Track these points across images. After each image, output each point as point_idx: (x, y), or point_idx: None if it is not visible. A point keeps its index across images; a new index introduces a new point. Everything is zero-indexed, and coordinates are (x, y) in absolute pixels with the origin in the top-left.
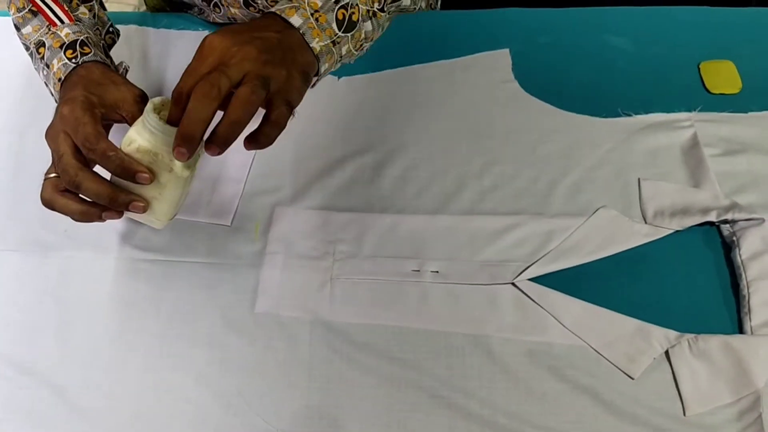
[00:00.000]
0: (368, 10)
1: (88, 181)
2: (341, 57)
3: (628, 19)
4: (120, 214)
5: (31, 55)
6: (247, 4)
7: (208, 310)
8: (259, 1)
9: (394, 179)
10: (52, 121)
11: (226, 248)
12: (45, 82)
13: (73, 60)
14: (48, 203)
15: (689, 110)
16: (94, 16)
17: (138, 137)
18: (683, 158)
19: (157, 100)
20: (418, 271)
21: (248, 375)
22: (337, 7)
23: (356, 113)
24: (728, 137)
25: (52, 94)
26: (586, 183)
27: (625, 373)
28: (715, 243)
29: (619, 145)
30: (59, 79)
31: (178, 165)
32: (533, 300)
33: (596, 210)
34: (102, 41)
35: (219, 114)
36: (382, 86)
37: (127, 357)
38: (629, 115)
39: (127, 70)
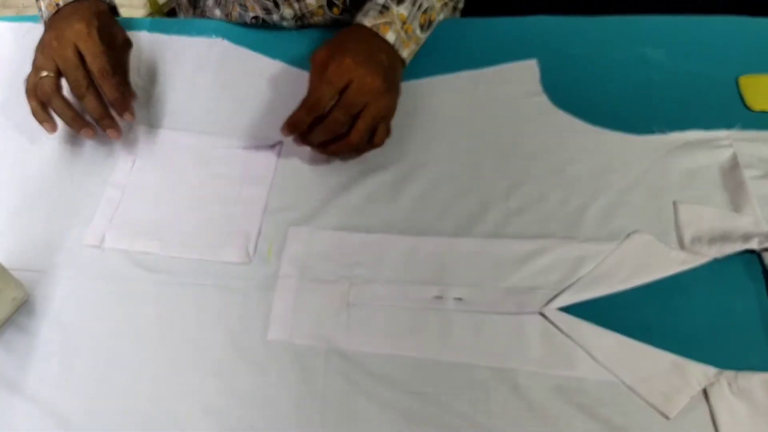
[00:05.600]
0: (444, 4)
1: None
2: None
3: (662, 29)
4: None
5: None
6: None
7: (218, 337)
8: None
9: (415, 198)
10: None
11: (238, 269)
12: None
13: None
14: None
15: (728, 128)
16: None
17: None
18: (722, 180)
19: None
20: (441, 297)
21: (259, 408)
22: (419, 14)
23: None
24: None
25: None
26: (618, 206)
27: (660, 412)
28: (756, 272)
29: (654, 165)
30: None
31: None
32: (562, 331)
33: (629, 235)
34: None
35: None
36: (402, 99)
37: (132, 386)
38: (664, 133)
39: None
